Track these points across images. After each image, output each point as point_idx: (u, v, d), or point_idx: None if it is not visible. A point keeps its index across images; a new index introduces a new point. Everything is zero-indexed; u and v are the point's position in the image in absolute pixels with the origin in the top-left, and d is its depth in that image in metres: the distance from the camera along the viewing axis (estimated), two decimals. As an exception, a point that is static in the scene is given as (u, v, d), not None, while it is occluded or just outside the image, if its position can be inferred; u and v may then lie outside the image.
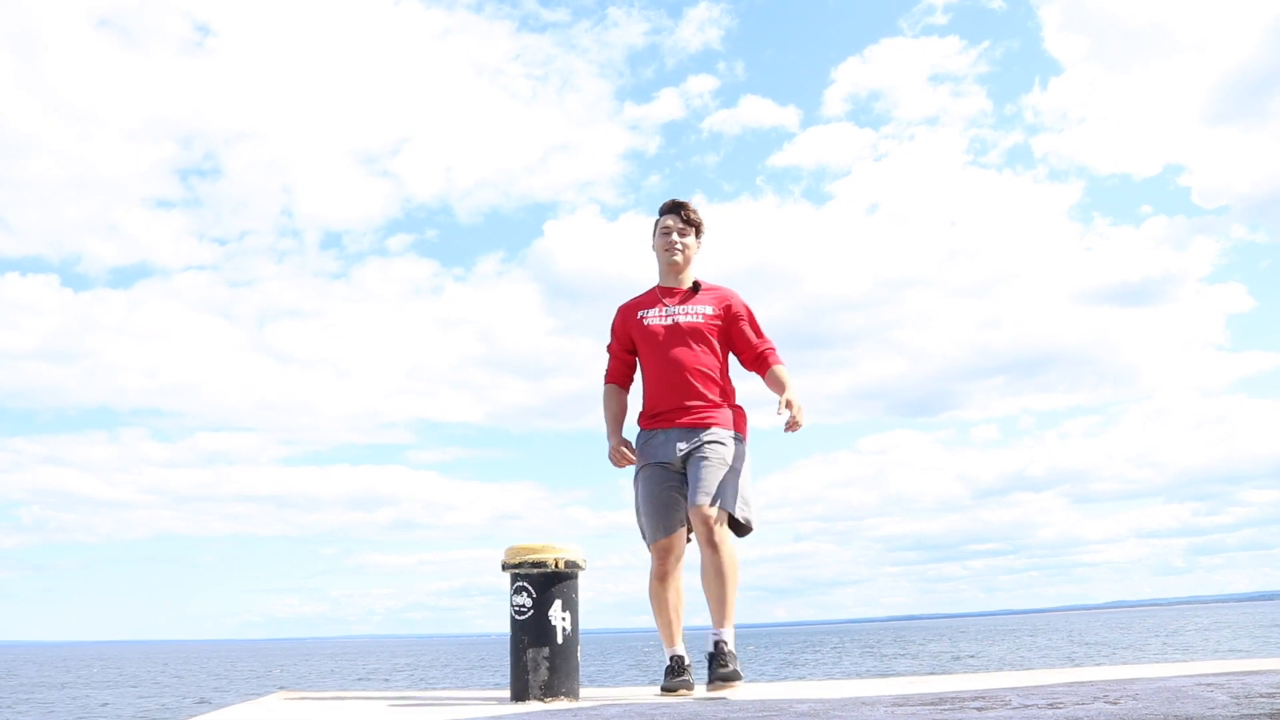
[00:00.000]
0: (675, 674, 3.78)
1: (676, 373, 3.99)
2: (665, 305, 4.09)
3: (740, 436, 4.04)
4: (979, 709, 2.45)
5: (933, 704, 2.65)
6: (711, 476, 3.86)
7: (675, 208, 4.18)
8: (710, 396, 4.01)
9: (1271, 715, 1.98)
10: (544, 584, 3.80)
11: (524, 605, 3.82)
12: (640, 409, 4.16)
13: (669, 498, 3.93)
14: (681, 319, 4.04)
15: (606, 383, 4.25)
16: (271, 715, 3.29)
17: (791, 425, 3.81)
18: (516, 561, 3.84)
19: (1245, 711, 2.07)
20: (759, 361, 4.12)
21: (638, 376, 4.24)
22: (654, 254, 4.21)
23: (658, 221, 4.20)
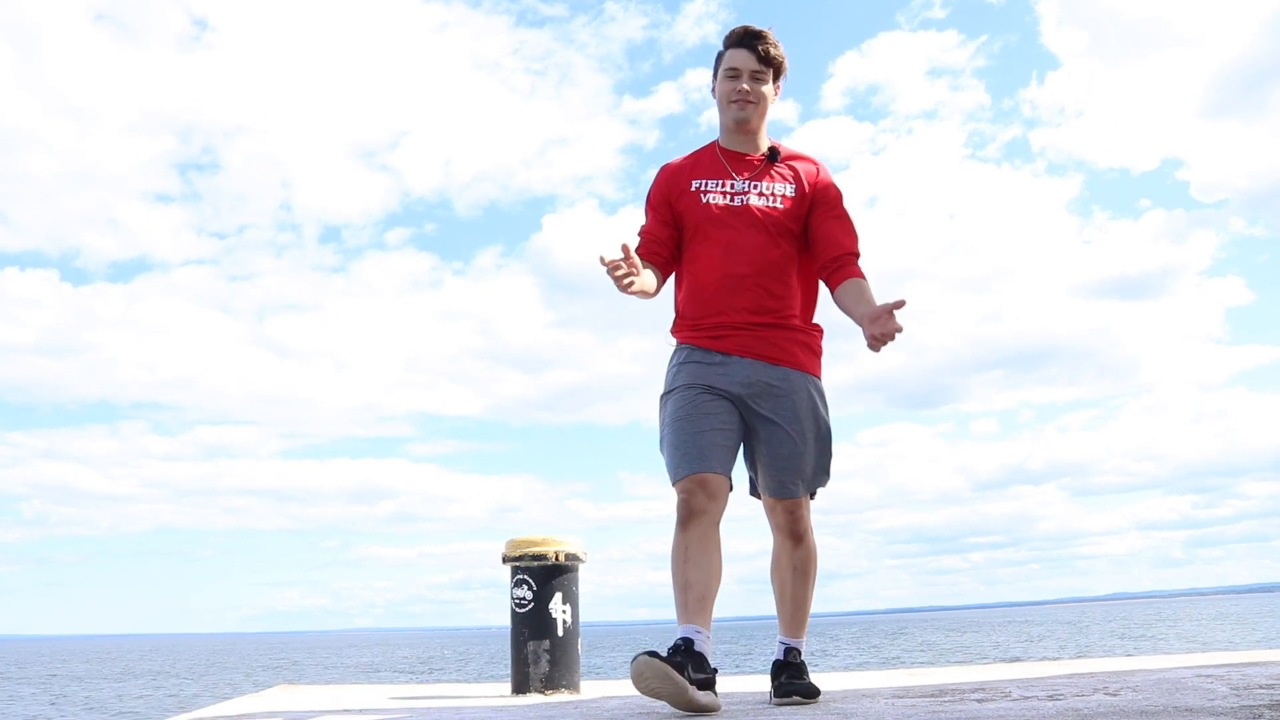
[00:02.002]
0: (671, 655, 2.48)
1: (744, 273, 2.77)
2: (733, 179, 2.85)
3: (817, 378, 2.91)
4: (979, 700, 2.45)
5: (933, 695, 2.66)
6: (805, 455, 2.77)
7: (748, 39, 2.84)
8: (788, 313, 2.82)
9: (1271, 706, 1.98)
10: (544, 577, 3.81)
11: (524, 598, 3.82)
12: (678, 315, 2.94)
13: (711, 430, 2.72)
14: (755, 200, 2.81)
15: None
16: (274, 707, 3.29)
17: (884, 338, 2.55)
18: (517, 554, 3.84)
19: (1245, 703, 2.07)
20: (836, 268, 2.81)
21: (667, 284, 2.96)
22: (715, 103, 2.93)
23: (721, 57, 2.89)
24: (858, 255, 2.83)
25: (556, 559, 3.80)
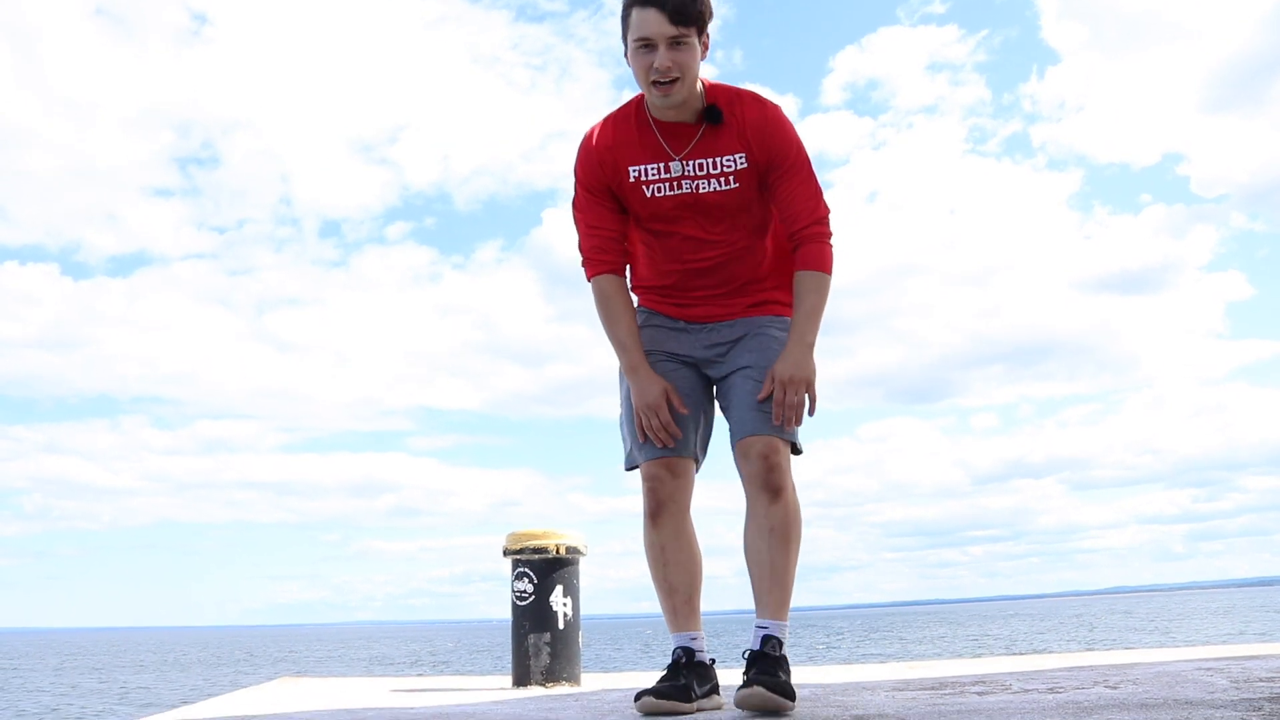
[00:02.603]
0: (671, 676, 2.36)
1: (708, 265, 2.47)
2: (672, 159, 2.39)
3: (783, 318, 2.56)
4: (979, 693, 2.45)
5: (933, 688, 2.66)
6: (776, 391, 2.37)
7: None
8: (759, 275, 2.53)
9: (1272, 699, 1.98)
10: (545, 570, 3.81)
11: (525, 591, 3.83)
12: (634, 276, 2.62)
13: (680, 396, 2.44)
14: (705, 186, 2.39)
15: (594, 275, 2.49)
16: (276, 699, 3.30)
17: (788, 412, 2.33)
18: (517, 547, 3.85)
19: (1245, 696, 2.07)
20: (794, 245, 2.45)
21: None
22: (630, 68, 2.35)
23: (628, 15, 2.30)
24: (817, 221, 2.41)
25: (557, 552, 3.81)
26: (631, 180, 2.42)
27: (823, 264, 2.41)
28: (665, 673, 2.38)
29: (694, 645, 2.43)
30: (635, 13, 2.27)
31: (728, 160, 2.39)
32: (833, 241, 2.44)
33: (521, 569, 3.85)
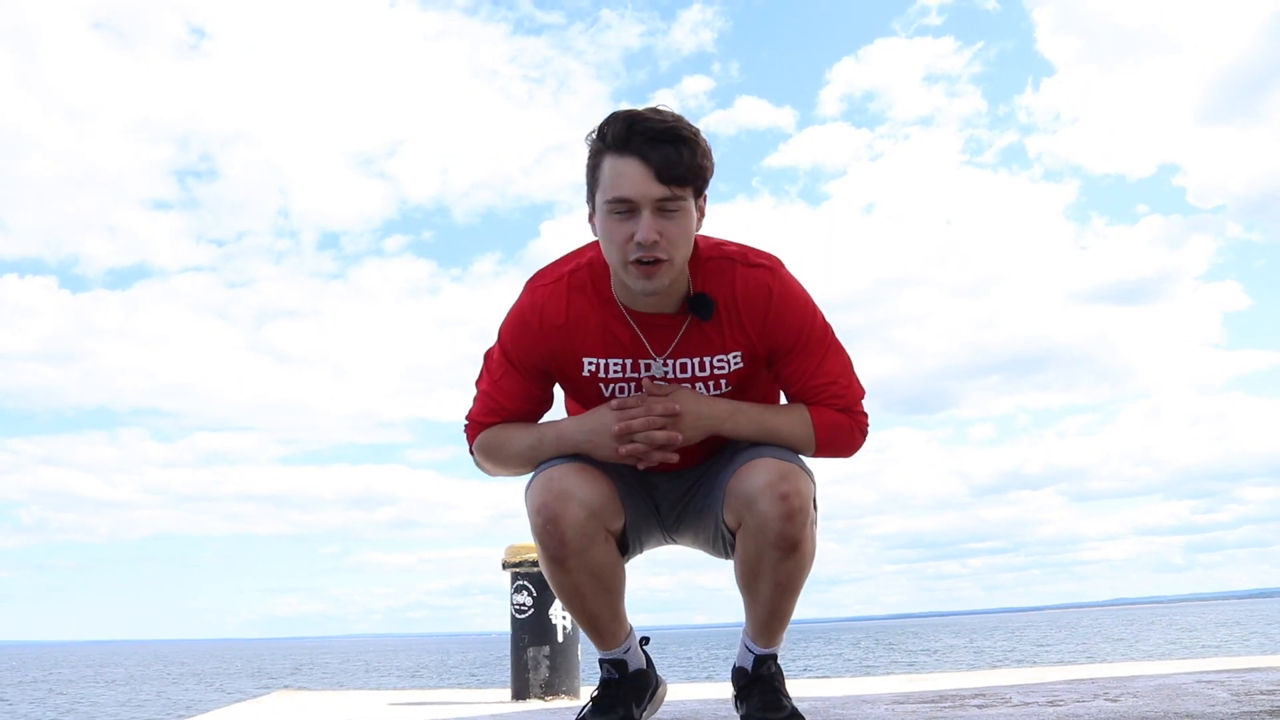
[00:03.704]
0: (603, 705, 1.95)
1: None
2: (650, 359, 1.84)
3: None
4: (979, 706, 2.45)
5: (933, 701, 2.66)
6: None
7: (645, 141, 1.66)
8: None
9: (1272, 712, 1.98)
10: (544, 583, 3.80)
11: (524, 604, 3.82)
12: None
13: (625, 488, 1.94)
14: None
15: (482, 428, 1.96)
16: (274, 713, 3.29)
17: (649, 427, 1.77)
18: (517, 560, 3.84)
19: (1245, 709, 2.07)
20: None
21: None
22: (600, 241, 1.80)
23: (598, 162, 1.72)
24: (850, 408, 1.89)
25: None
26: (585, 374, 1.86)
27: (832, 433, 1.87)
28: (597, 695, 1.96)
29: (626, 657, 1.99)
30: (609, 163, 1.68)
31: (720, 360, 1.84)
32: (866, 437, 1.93)
33: (521, 582, 3.84)
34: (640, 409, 1.76)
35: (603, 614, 1.91)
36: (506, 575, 3.90)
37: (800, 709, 1.90)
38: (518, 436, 1.89)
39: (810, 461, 1.87)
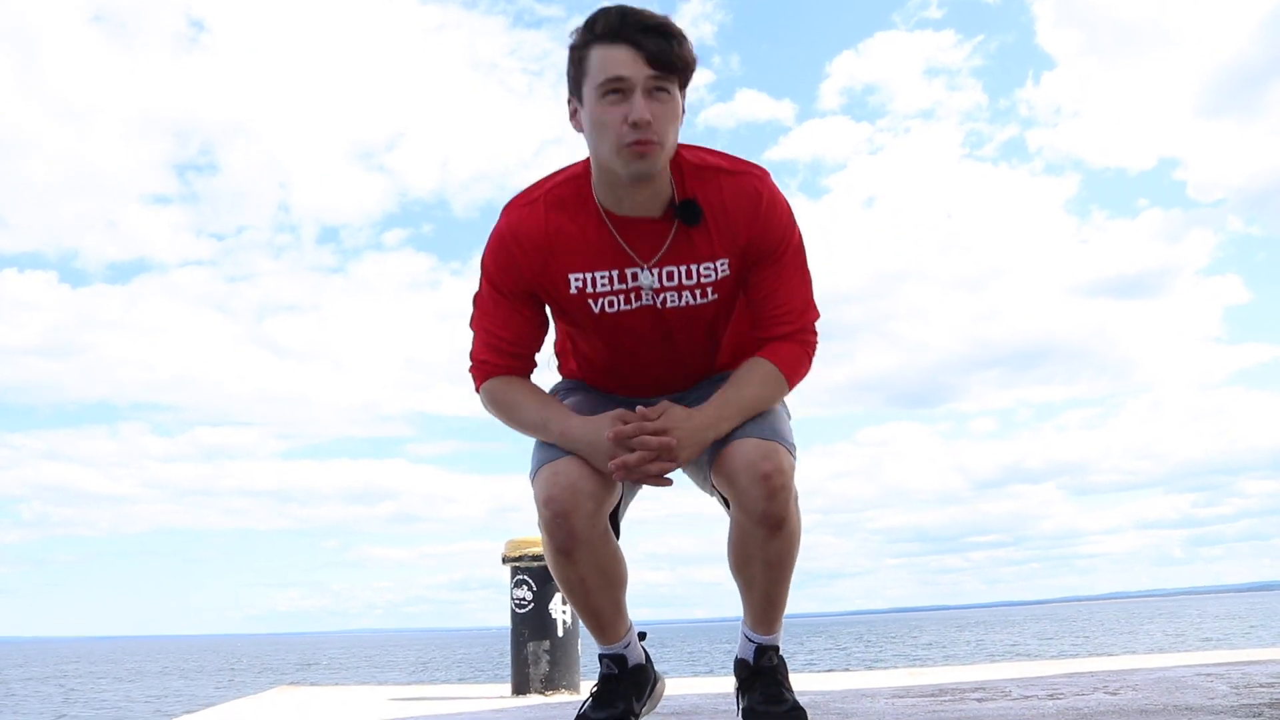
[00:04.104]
0: (607, 698, 1.96)
1: (661, 369, 1.99)
2: (636, 266, 1.82)
3: None
4: (979, 700, 2.45)
5: (933, 695, 2.66)
6: (762, 413, 1.88)
7: (637, 30, 1.68)
8: (714, 365, 2.04)
9: (1272, 705, 1.98)
10: (544, 577, 3.81)
11: (524, 599, 3.82)
12: (561, 367, 2.16)
13: (602, 405, 1.91)
14: (673, 300, 1.85)
15: (484, 380, 1.94)
16: (273, 709, 3.29)
17: (638, 455, 1.74)
18: (517, 554, 3.84)
19: (1245, 701, 2.07)
20: (758, 346, 1.91)
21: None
22: (585, 135, 1.78)
23: (584, 54, 1.72)
24: (803, 329, 1.91)
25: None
26: (573, 291, 1.83)
27: (793, 368, 1.88)
28: (596, 692, 1.96)
29: (626, 652, 2.00)
30: (599, 52, 1.68)
31: (707, 269, 1.83)
32: (815, 353, 1.94)
33: (521, 576, 3.84)
34: (636, 439, 1.74)
35: (606, 608, 1.93)
36: (507, 570, 3.90)
37: (801, 702, 1.90)
38: (529, 408, 1.88)
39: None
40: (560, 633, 3.81)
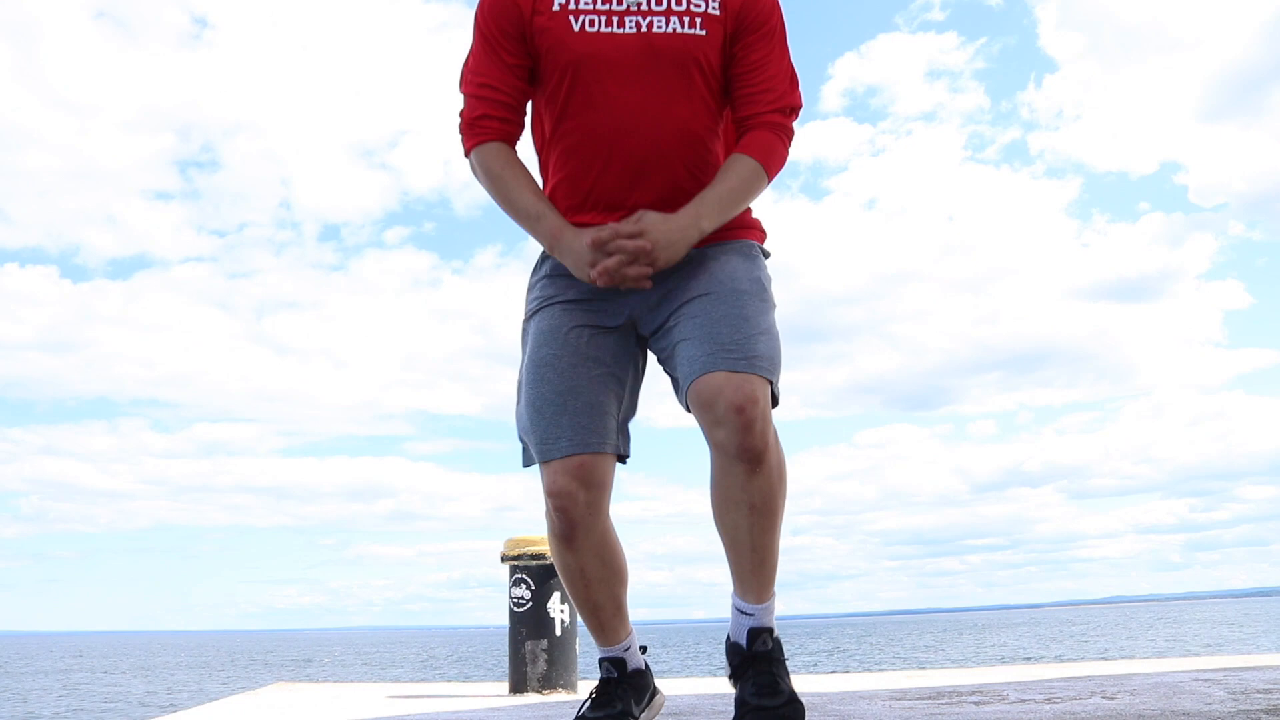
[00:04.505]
0: (604, 700, 1.91)
1: (647, 150, 1.81)
2: None
3: (763, 249, 1.97)
4: (976, 703, 2.45)
5: (930, 698, 2.66)
6: (747, 315, 1.78)
7: None
8: (709, 176, 1.86)
9: (1269, 710, 1.98)
10: (543, 576, 3.81)
11: (522, 597, 3.83)
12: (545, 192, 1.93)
13: (589, 381, 1.83)
14: (659, 24, 1.78)
15: (474, 145, 1.90)
16: (270, 705, 3.29)
17: (617, 258, 1.72)
18: (515, 553, 3.85)
19: (1242, 707, 2.07)
20: (740, 131, 1.87)
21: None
22: None
23: None
24: (783, 110, 1.85)
25: (555, 559, 3.81)
26: (556, 7, 1.78)
27: (769, 157, 1.83)
28: (595, 694, 1.92)
29: (626, 656, 1.97)
30: None
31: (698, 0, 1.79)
32: (791, 145, 1.89)
33: (519, 575, 3.84)
34: (613, 243, 1.73)
35: (606, 603, 1.92)
36: (505, 568, 3.90)
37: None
38: (524, 193, 1.85)
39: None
40: (558, 632, 3.81)
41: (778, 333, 1.83)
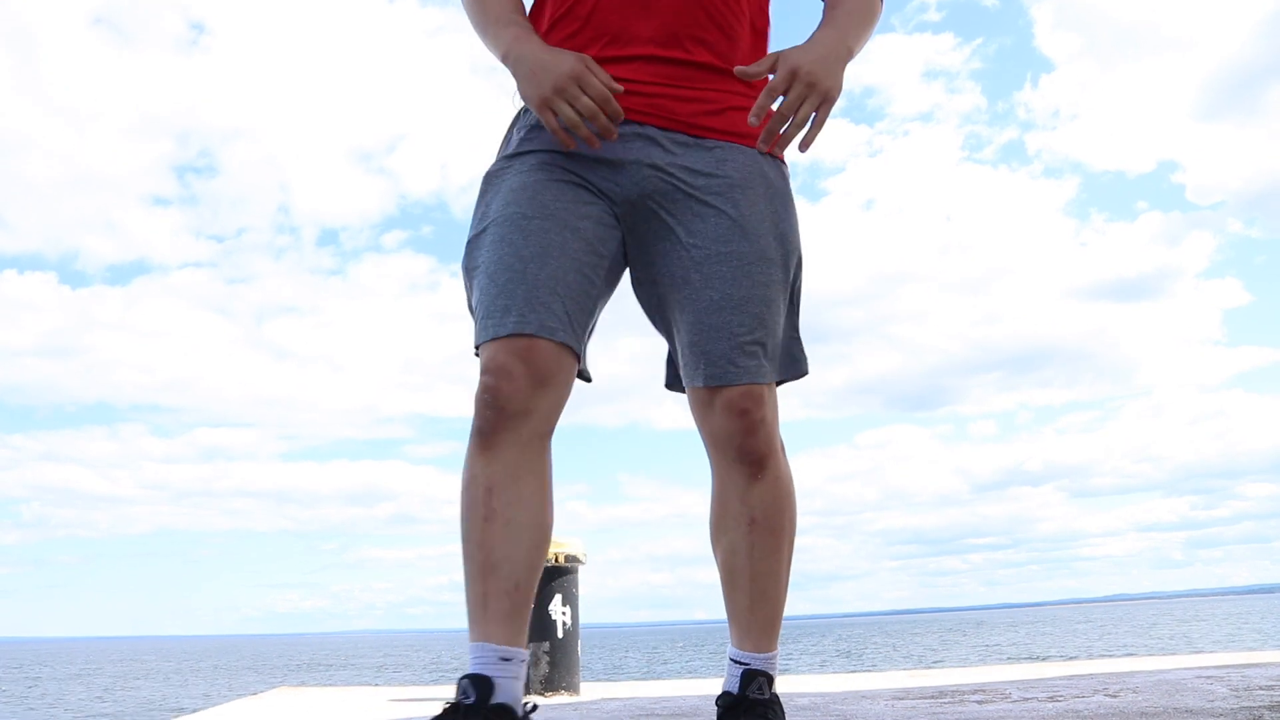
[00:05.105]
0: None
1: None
2: None
3: (780, 161, 1.59)
4: (979, 702, 2.45)
5: (933, 697, 2.66)
6: (766, 295, 1.48)
7: None
8: (733, 52, 1.53)
9: (1271, 707, 1.98)
10: (544, 579, 3.81)
11: (524, 600, 3.83)
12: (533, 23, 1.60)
13: (566, 256, 1.44)
14: None
15: None
16: (274, 709, 3.29)
17: (789, 126, 1.41)
18: (517, 556, 3.85)
19: (1245, 704, 2.07)
20: None
21: None
22: None
23: None
24: None
25: (556, 561, 3.80)
26: None
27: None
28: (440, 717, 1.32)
29: (499, 672, 1.32)
30: None
31: None
32: None
33: (520, 578, 3.85)
34: (591, 111, 1.41)
35: (508, 568, 1.36)
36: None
37: (801, 705, 1.83)
38: (496, 5, 1.55)
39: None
40: (560, 634, 3.81)
41: (798, 315, 1.56)
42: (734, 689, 1.51)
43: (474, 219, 1.52)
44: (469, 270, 1.50)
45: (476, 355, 1.45)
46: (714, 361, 1.46)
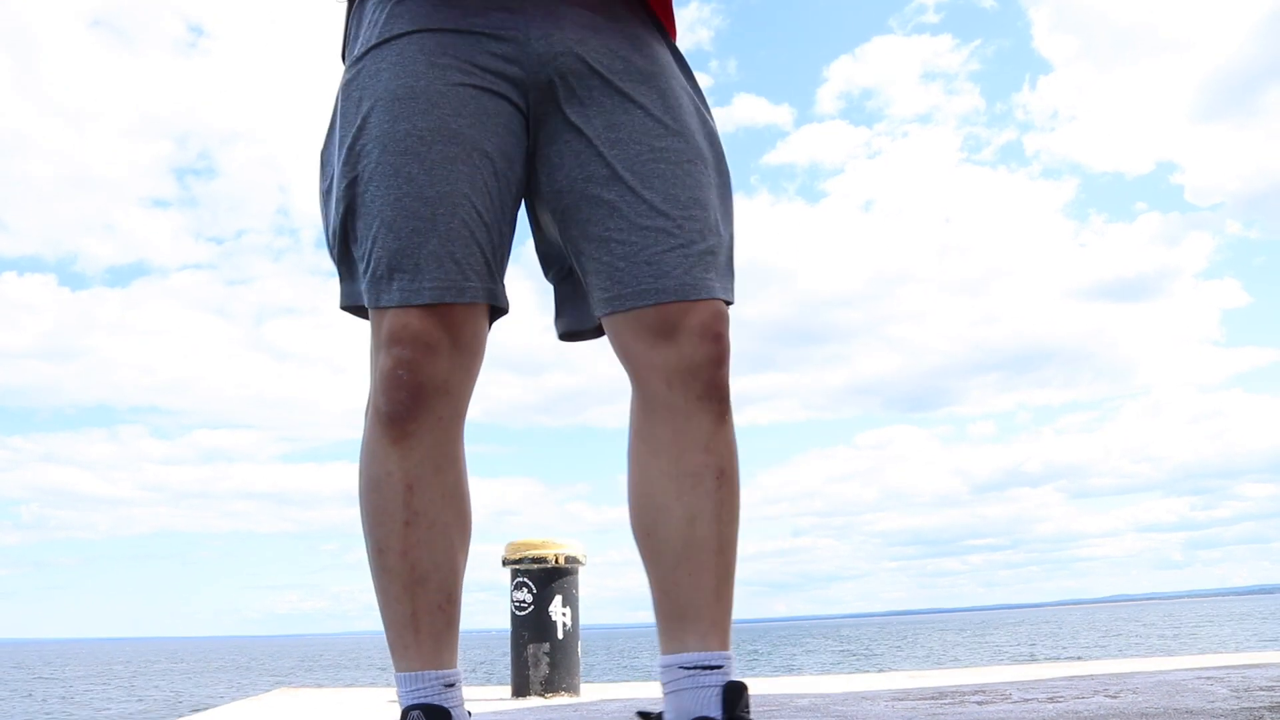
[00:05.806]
0: None
1: None
2: None
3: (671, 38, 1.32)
4: (979, 703, 2.45)
5: (933, 698, 2.66)
6: (706, 205, 1.20)
7: None
8: None
9: (1271, 708, 1.98)
10: (544, 579, 3.81)
11: (524, 601, 3.83)
12: None
13: (475, 189, 1.14)
14: None
15: None
16: (272, 711, 3.29)
17: None
18: (516, 557, 3.85)
19: (1245, 705, 2.07)
20: None
21: None
22: None
23: None
24: None
25: (556, 562, 3.80)
26: None
27: None
28: None
29: (449, 701, 1.22)
30: None
31: None
32: None
33: (520, 579, 3.84)
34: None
35: (431, 577, 1.16)
36: (507, 572, 3.90)
37: (801, 706, 1.81)
38: None
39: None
40: (560, 635, 3.81)
41: (733, 230, 1.27)
42: (714, 713, 1.10)
43: (339, 124, 1.21)
44: (341, 199, 1.19)
45: (355, 314, 1.23)
46: (667, 274, 1.15)
